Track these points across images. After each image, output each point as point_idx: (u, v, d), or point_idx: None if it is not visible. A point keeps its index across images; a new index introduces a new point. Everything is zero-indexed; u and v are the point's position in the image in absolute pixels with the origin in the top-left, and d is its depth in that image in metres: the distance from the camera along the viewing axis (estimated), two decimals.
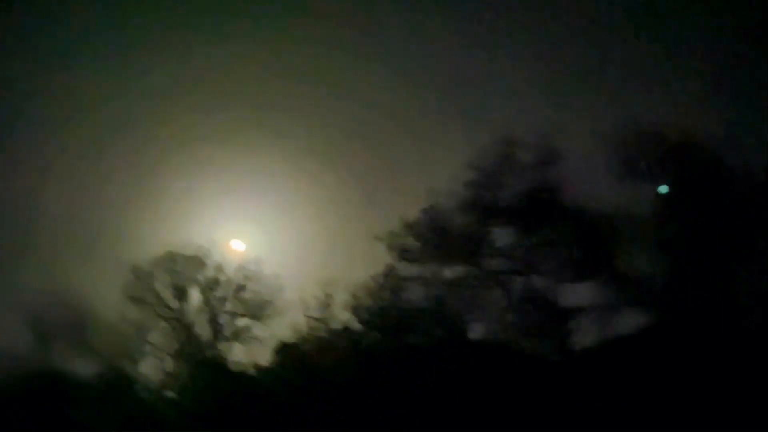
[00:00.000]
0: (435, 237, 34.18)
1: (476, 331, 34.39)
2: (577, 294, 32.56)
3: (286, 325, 35.97)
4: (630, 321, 31.41)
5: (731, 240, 29.46)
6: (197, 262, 36.54)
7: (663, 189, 30.78)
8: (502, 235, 33.96)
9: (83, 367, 34.86)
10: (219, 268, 36.79)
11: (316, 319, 35.70)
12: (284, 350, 36.07)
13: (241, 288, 36.80)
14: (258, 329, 36.69)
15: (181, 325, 36.12)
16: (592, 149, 31.50)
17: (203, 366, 35.49)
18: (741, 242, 29.44)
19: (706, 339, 28.15)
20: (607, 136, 31.33)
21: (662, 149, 31.41)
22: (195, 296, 36.59)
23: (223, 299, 36.59)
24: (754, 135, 30.86)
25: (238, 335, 36.52)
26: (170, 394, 35.08)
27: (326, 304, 35.72)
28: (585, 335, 32.28)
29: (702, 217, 30.00)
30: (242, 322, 36.73)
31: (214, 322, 36.34)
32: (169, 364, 35.86)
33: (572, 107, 38.79)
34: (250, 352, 36.39)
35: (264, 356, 36.27)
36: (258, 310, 36.63)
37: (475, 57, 43.05)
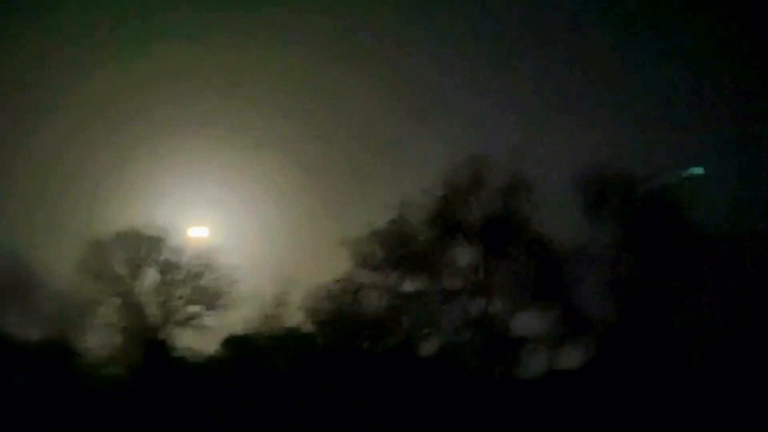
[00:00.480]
0: (399, 249, 34.50)
1: (427, 348, 34.69)
2: (530, 321, 33.19)
3: (238, 317, 35.64)
4: (578, 354, 32.14)
5: (682, 282, 30.50)
6: (157, 242, 36.02)
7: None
8: (464, 255, 34.52)
9: (28, 334, 34.01)
10: (178, 252, 36.32)
11: (269, 316, 35.51)
12: (232, 342, 35.75)
13: (197, 275, 36.29)
14: (209, 318, 36.16)
15: (131, 304, 35.53)
16: (561, 180, 32.42)
17: (148, 347, 34.99)
18: (691, 285, 30.46)
19: (648, 379, 28.86)
20: (578, 169, 32.38)
21: (626, 189, 32.44)
22: (150, 277, 36.02)
23: (178, 284, 36.13)
24: (714, 184, 32.15)
25: (187, 321, 35.98)
26: (112, 370, 34.42)
27: (281, 302, 35.54)
28: (534, 363, 32.85)
29: (656, 259, 31.05)
30: (194, 309, 36.16)
31: (165, 305, 35.84)
32: (115, 342, 35.18)
33: (548, 137, 39.61)
34: (198, 340, 35.87)
35: (211, 346, 35.81)
36: (211, 300, 36.11)
37: (458, 75, 43.80)
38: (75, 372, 33.87)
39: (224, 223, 38.95)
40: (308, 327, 35.32)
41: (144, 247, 36.17)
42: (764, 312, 28.71)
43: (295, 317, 35.39)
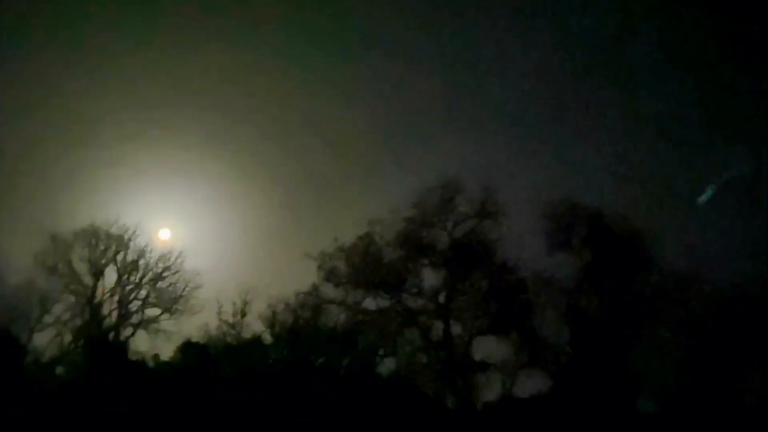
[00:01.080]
0: (365, 265, 34.52)
1: (385, 366, 34.72)
2: (490, 346, 33.49)
3: (196, 324, 35.22)
4: (536, 380, 32.50)
5: (642, 315, 31.23)
6: (120, 241, 35.47)
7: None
8: (428, 276, 34.76)
9: None
10: (141, 253, 35.81)
11: (228, 324, 35.11)
12: (188, 348, 35.10)
13: (158, 277, 35.85)
14: (166, 322, 35.68)
15: (88, 303, 34.78)
16: (529, 209, 33.08)
17: (100, 348, 34.12)
18: (650, 318, 31.22)
19: (603, 409, 29.28)
20: (546, 200, 33.07)
21: (591, 222, 33.16)
22: (110, 276, 35.44)
23: (138, 285, 35.55)
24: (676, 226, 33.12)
25: (144, 324, 35.38)
26: (60, 370, 33.49)
27: (242, 311, 35.20)
28: (491, 388, 33.11)
29: (613, 292, 31.76)
30: (152, 312, 35.67)
31: (123, 306, 35.18)
32: (66, 341, 34.32)
33: (519, 166, 40.40)
34: (153, 343, 35.25)
35: (166, 351, 35.16)
36: (170, 303, 35.67)
37: (434, 99, 44.38)
38: (24, 369, 32.89)
39: (191, 228, 38.71)
40: (267, 338, 35.04)
41: (106, 245, 35.62)
42: (721, 346, 29.48)
43: (255, 327, 35.21)
